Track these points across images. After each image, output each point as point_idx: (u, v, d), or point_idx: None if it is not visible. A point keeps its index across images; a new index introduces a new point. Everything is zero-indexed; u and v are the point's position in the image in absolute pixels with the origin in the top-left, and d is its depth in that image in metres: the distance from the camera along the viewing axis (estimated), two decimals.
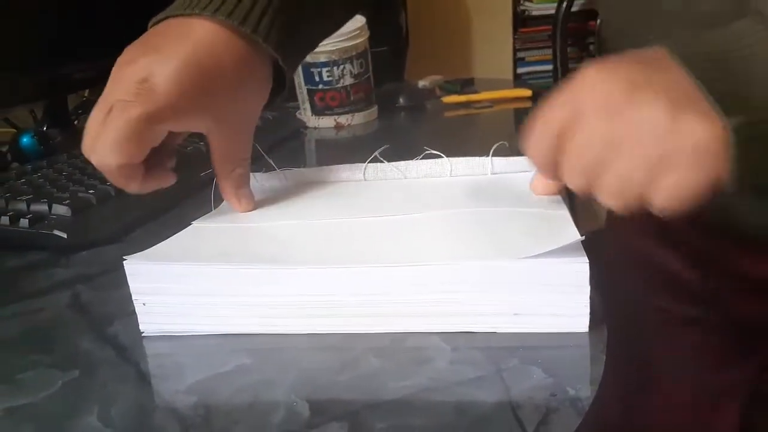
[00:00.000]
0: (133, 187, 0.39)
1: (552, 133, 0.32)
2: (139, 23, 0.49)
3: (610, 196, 0.31)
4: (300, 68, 0.83)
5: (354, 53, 0.85)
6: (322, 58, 0.85)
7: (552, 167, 0.33)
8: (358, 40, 0.85)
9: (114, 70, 0.38)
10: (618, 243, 0.64)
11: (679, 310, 0.59)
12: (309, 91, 0.87)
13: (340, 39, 0.83)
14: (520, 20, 2.34)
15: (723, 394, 0.58)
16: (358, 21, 0.84)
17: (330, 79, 0.85)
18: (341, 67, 0.85)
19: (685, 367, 0.59)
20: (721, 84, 0.30)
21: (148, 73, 0.36)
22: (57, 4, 0.76)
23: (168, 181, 0.42)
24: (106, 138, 0.36)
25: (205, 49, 0.38)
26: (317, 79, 0.85)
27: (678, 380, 0.59)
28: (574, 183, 0.32)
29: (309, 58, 0.81)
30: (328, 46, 0.83)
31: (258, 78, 0.41)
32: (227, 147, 0.42)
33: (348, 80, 0.86)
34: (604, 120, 0.30)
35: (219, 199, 0.45)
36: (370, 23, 0.87)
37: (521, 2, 2.33)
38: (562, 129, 0.31)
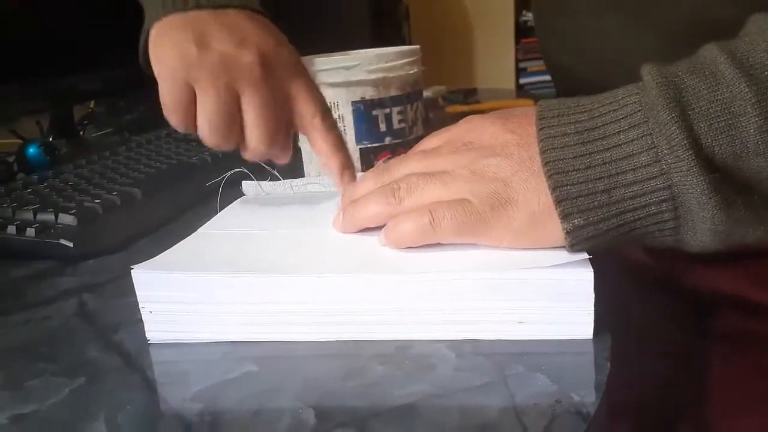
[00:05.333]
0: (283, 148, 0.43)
1: None
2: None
3: None
4: (348, 113, 0.52)
5: (418, 86, 0.55)
6: (393, 90, 0.52)
7: None
8: (416, 68, 0.55)
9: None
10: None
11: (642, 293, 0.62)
12: (366, 152, 0.54)
13: (403, 61, 0.53)
14: (522, 31, 2.36)
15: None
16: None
17: (402, 126, 0.54)
18: (415, 105, 0.55)
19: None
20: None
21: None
22: (63, 16, 0.77)
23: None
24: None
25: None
26: (383, 128, 0.53)
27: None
28: None
29: (364, 92, 0.52)
30: (397, 70, 0.52)
31: None
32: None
33: (420, 128, 0.56)
34: None
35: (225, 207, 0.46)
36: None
37: (523, 13, 2.35)
38: None
